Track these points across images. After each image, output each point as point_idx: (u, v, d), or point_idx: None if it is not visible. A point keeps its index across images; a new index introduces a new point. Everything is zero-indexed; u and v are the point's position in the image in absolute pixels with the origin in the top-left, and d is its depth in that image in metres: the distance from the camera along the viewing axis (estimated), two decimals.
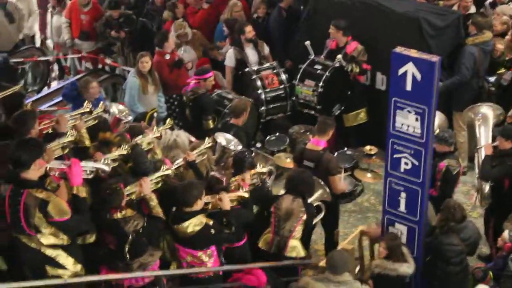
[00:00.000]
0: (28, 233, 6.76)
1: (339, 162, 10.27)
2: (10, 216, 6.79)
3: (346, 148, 11.35)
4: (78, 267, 7.05)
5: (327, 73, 11.65)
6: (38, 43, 16.23)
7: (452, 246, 8.33)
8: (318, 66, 11.80)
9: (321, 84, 11.63)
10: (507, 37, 12.13)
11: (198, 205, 7.69)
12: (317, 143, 9.60)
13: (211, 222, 7.71)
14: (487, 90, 11.97)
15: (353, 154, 11.14)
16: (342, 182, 9.78)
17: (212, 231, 7.70)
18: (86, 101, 9.23)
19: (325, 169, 9.43)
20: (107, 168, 7.62)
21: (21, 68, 14.83)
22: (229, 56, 12.65)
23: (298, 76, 11.84)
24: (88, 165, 7.43)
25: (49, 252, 6.87)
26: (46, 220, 6.71)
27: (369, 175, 10.62)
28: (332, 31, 11.85)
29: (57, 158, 7.59)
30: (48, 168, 6.96)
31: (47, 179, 6.90)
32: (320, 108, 11.69)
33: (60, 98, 13.20)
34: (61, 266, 6.93)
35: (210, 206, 7.91)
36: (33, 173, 6.74)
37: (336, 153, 10.92)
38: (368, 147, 10.76)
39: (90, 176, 7.41)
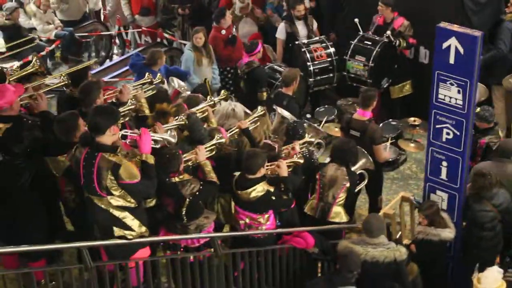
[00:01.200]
0: (99, 194, 6.83)
1: (384, 131, 10.23)
2: (84, 177, 6.87)
3: (391, 119, 11.28)
4: (143, 229, 7.12)
5: (377, 49, 11.59)
6: (101, 18, 16.34)
7: (484, 212, 8.25)
8: (368, 42, 11.73)
9: (372, 59, 11.57)
10: None
11: (261, 173, 7.73)
12: (362, 113, 9.54)
13: (272, 189, 7.75)
14: None
15: (397, 125, 11.13)
16: (386, 151, 9.72)
17: (273, 197, 7.75)
18: (147, 73, 9.26)
19: (370, 139, 9.37)
20: (173, 140, 7.68)
21: (85, 41, 14.97)
22: (280, 29, 12.69)
23: (349, 52, 11.77)
24: (156, 135, 7.49)
25: (118, 214, 6.94)
26: (117, 182, 6.78)
27: (412, 144, 10.54)
28: (380, 8, 11.79)
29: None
30: (120, 135, 7.03)
31: (118, 147, 6.96)
32: (371, 81, 11.61)
33: (121, 70, 13.35)
34: (128, 227, 6.99)
35: (269, 172, 7.93)
36: (107, 138, 6.80)
37: (381, 124, 10.87)
38: (412, 118, 10.67)
39: (158, 146, 7.45)
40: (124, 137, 7.09)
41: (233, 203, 8.13)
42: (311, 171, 8.78)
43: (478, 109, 9.22)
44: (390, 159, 10.29)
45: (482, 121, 9.31)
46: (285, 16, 12.85)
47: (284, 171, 7.91)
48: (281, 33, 12.68)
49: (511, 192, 8.60)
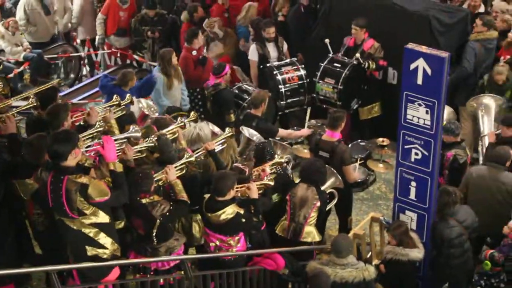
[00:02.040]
0: (71, 216, 6.80)
1: (353, 152, 10.27)
2: (53, 200, 6.83)
3: (360, 140, 11.33)
4: (116, 246, 7.11)
5: (346, 71, 11.63)
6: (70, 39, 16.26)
7: (450, 229, 8.29)
8: (337, 64, 11.77)
9: (341, 81, 11.61)
10: (510, 34, 12.00)
11: (231, 195, 7.72)
12: (331, 134, 9.57)
13: (242, 211, 7.75)
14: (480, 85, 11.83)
15: (366, 145, 11.16)
16: (355, 172, 9.76)
17: (243, 219, 7.75)
18: (115, 95, 9.23)
19: (339, 159, 9.41)
20: (138, 134, 7.68)
21: (54, 63, 14.89)
22: (252, 51, 12.67)
23: (319, 74, 11.79)
24: (120, 137, 7.48)
25: (90, 233, 6.90)
26: (88, 202, 6.75)
27: (381, 165, 10.58)
28: (354, 30, 11.81)
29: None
30: (84, 150, 7.01)
31: (83, 158, 6.92)
32: (340, 103, 11.66)
33: (91, 92, 13.28)
34: (101, 246, 6.97)
35: (239, 194, 7.92)
36: (70, 161, 6.77)
37: (350, 144, 10.91)
38: (380, 139, 10.71)
39: (123, 146, 7.49)
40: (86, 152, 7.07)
41: (201, 225, 8.13)
42: (288, 186, 8.80)
43: (444, 122, 9.29)
44: (360, 180, 10.32)
45: (448, 134, 9.37)
46: (255, 38, 12.83)
47: (255, 193, 7.91)
48: (253, 54, 12.65)
49: (501, 198, 8.79)
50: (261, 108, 10.34)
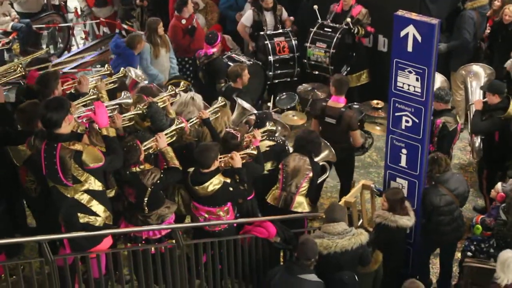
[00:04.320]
0: (65, 184, 6.81)
1: None
2: (46, 168, 6.82)
3: (354, 102, 11.31)
4: (108, 213, 7.12)
5: (338, 35, 11.65)
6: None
7: (439, 196, 8.35)
8: (327, 29, 11.78)
9: (333, 45, 11.63)
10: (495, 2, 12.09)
11: (215, 165, 7.72)
12: (337, 100, 9.64)
13: (228, 180, 7.75)
14: (484, 51, 11.92)
15: (360, 108, 11.14)
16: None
17: (231, 188, 7.75)
18: (107, 64, 9.21)
19: (346, 125, 9.50)
20: (129, 100, 7.68)
21: (43, 33, 14.82)
22: (247, 16, 12.64)
23: (310, 39, 11.80)
24: (111, 103, 7.47)
25: (84, 200, 6.91)
26: (83, 168, 6.75)
27: (378, 127, 10.59)
28: None
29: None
30: (76, 117, 6.99)
31: (76, 124, 6.92)
32: (332, 68, 11.66)
33: (80, 61, 13.23)
34: (93, 213, 6.98)
35: (222, 164, 7.92)
36: (64, 128, 6.75)
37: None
38: (375, 101, 10.77)
39: (115, 112, 7.49)
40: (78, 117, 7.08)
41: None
42: (283, 156, 8.84)
43: (434, 89, 9.30)
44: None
45: (438, 101, 9.37)
46: (254, 3, 12.72)
47: (238, 163, 7.89)
48: (247, 20, 12.62)
49: None
50: (240, 81, 10.26)
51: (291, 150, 8.96)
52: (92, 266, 7.19)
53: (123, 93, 7.89)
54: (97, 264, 7.24)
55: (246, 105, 9.47)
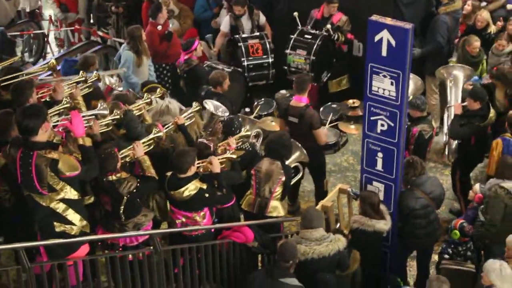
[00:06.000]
0: (40, 192, 6.78)
1: (324, 114, 10.55)
2: (22, 176, 6.80)
3: (330, 102, 11.40)
4: (84, 223, 7.10)
5: (318, 42, 11.70)
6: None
7: (415, 199, 8.40)
8: (308, 36, 11.83)
9: (313, 52, 11.68)
10: (467, 6, 12.28)
11: (192, 171, 7.72)
12: (299, 99, 9.74)
13: (205, 186, 7.75)
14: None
15: (337, 107, 11.20)
16: (325, 134, 9.93)
17: (206, 194, 7.76)
18: (81, 71, 9.18)
19: (308, 124, 9.57)
20: (106, 112, 7.67)
21: (18, 40, 14.76)
22: (225, 22, 12.71)
23: (290, 46, 11.84)
24: (88, 113, 7.47)
25: (59, 209, 6.89)
26: (58, 177, 6.74)
27: (352, 126, 10.63)
28: (333, 6, 11.88)
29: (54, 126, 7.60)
30: (51, 126, 6.98)
31: (51, 134, 6.90)
32: (313, 75, 11.71)
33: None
34: (69, 222, 6.96)
35: (201, 169, 7.93)
36: (41, 136, 6.74)
37: (322, 108, 11.05)
38: (351, 101, 10.83)
39: (91, 123, 7.50)
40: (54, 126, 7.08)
41: (168, 203, 8.13)
42: (255, 164, 8.82)
43: (411, 97, 9.39)
44: (331, 142, 10.38)
45: (414, 109, 9.49)
46: (229, 9, 12.79)
47: (217, 168, 7.90)
48: (224, 26, 12.69)
49: None
50: (220, 87, 10.25)
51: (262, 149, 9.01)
52: (69, 274, 7.17)
53: (99, 104, 7.87)
54: (74, 271, 7.22)
55: (213, 109, 9.45)
